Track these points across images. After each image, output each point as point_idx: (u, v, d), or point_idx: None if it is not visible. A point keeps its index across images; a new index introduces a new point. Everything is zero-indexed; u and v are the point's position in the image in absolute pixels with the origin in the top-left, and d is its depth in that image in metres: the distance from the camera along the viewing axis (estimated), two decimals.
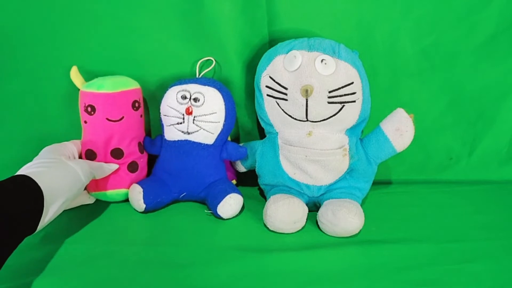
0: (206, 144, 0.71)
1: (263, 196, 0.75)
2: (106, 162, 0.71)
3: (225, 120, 0.71)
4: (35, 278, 0.52)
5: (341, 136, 0.67)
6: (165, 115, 0.72)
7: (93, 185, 0.73)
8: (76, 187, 0.59)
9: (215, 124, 0.70)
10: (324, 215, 0.63)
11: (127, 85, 0.71)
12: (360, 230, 0.63)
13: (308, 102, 0.64)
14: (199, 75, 0.76)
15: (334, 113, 0.65)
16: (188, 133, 0.71)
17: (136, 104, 0.72)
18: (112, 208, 0.72)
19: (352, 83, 0.64)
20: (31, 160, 0.80)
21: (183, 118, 0.70)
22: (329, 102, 0.64)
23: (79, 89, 0.72)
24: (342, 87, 0.64)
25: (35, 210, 0.51)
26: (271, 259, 0.57)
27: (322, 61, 0.63)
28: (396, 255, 0.57)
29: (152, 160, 0.77)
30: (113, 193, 0.72)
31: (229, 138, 0.76)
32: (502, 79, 0.80)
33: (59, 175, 0.57)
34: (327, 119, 0.65)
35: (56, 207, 0.54)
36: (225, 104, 0.70)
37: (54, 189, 0.54)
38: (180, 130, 0.71)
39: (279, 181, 0.70)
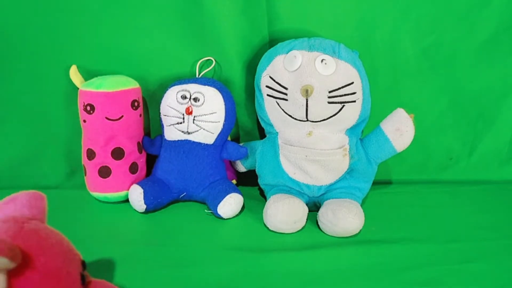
0: (206, 144, 0.71)
1: (263, 196, 0.75)
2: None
3: (225, 120, 0.71)
4: None
5: (341, 136, 0.67)
6: (165, 115, 0.72)
7: (94, 187, 0.72)
8: None
9: (215, 124, 0.70)
10: (324, 215, 0.63)
11: (126, 84, 0.71)
12: (360, 230, 0.63)
13: (308, 102, 0.64)
14: (199, 75, 0.76)
15: (334, 113, 0.65)
16: (188, 133, 0.71)
17: (136, 104, 0.72)
18: (112, 208, 0.72)
19: (352, 83, 0.64)
20: (30, 160, 0.81)
21: (183, 118, 0.70)
22: (329, 102, 0.64)
23: (78, 88, 0.72)
24: (342, 87, 0.64)
25: None
26: (271, 259, 0.57)
27: (322, 61, 0.63)
28: (396, 255, 0.57)
29: (151, 160, 0.77)
30: (114, 195, 0.72)
31: (229, 138, 0.76)
32: (502, 79, 0.80)
33: None
34: (327, 119, 0.65)
35: None
36: (225, 104, 0.70)
37: None
38: (180, 130, 0.71)
39: (279, 181, 0.70)
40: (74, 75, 0.73)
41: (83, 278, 0.33)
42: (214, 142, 0.71)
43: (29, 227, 0.32)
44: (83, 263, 0.35)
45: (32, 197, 0.36)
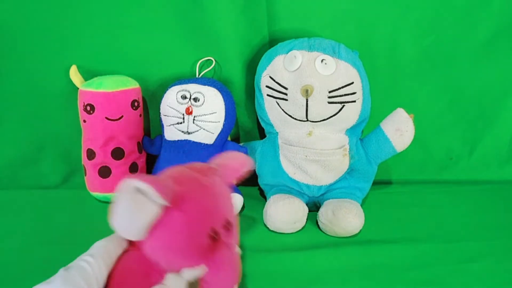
0: (206, 144, 0.71)
1: (263, 196, 0.75)
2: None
3: (225, 120, 0.71)
4: (36, 280, 0.52)
5: (341, 136, 0.67)
6: (165, 115, 0.72)
7: (94, 187, 0.72)
8: None
9: (215, 123, 0.70)
10: (324, 215, 0.63)
11: (126, 84, 0.71)
12: (360, 230, 0.63)
13: (308, 102, 0.64)
14: (199, 75, 0.76)
15: (334, 113, 0.65)
16: (188, 133, 0.71)
17: (136, 104, 0.72)
18: None
19: (352, 83, 0.64)
20: (30, 160, 0.81)
21: (183, 118, 0.70)
22: (329, 102, 0.64)
23: (78, 88, 0.72)
24: (342, 87, 0.64)
25: None
26: (271, 259, 0.57)
27: (322, 61, 0.63)
28: (396, 255, 0.57)
29: (151, 160, 0.77)
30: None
31: (229, 138, 0.76)
32: (502, 78, 0.80)
33: None
34: (327, 119, 0.65)
35: None
36: (225, 104, 0.70)
37: None
38: (180, 130, 0.71)
39: (279, 181, 0.70)
40: (74, 75, 0.73)
41: (214, 236, 0.41)
42: (214, 142, 0.71)
43: (204, 180, 0.42)
44: (226, 224, 0.42)
45: (241, 169, 0.47)
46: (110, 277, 0.42)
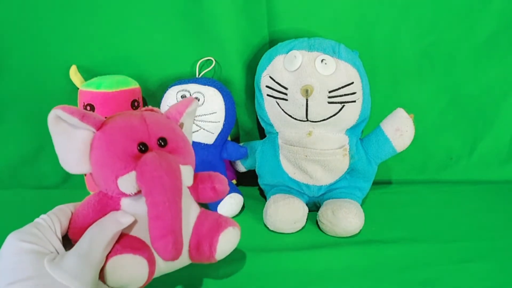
0: (206, 144, 0.71)
1: (263, 196, 0.75)
2: None
3: (225, 120, 0.71)
4: None
5: (341, 136, 0.67)
6: None
7: (94, 187, 0.72)
8: None
9: (215, 123, 0.70)
10: (324, 215, 0.63)
11: (126, 84, 0.71)
12: (360, 230, 0.63)
13: (308, 102, 0.64)
14: (199, 75, 0.76)
15: (334, 113, 0.65)
16: None
17: (136, 104, 0.72)
18: None
19: (352, 83, 0.64)
20: (30, 160, 0.81)
21: None
22: (329, 102, 0.64)
23: (78, 88, 0.72)
24: (342, 87, 0.64)
25: None
26: (271, 259, 0.57)
27: (322, 61, 0.63)
28: (396, 255, 0.57)
29: None
30: None
31: (229, 138, 0.76)
32: (502, 78, 0.80)
33: None
34: (327, 119, 0.65)
35: None
36: (225, 104, 0.70)
37: None
38: None
39: (279, 181, 0.70)
40: (74, 75, 0.73)
41: (141, 148, 0.43)
42: (214, 142, 0.71)
43: (132, 112, 0.46)
44: (160, 140, 0.44)
45: (184, 104, 0.50)
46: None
